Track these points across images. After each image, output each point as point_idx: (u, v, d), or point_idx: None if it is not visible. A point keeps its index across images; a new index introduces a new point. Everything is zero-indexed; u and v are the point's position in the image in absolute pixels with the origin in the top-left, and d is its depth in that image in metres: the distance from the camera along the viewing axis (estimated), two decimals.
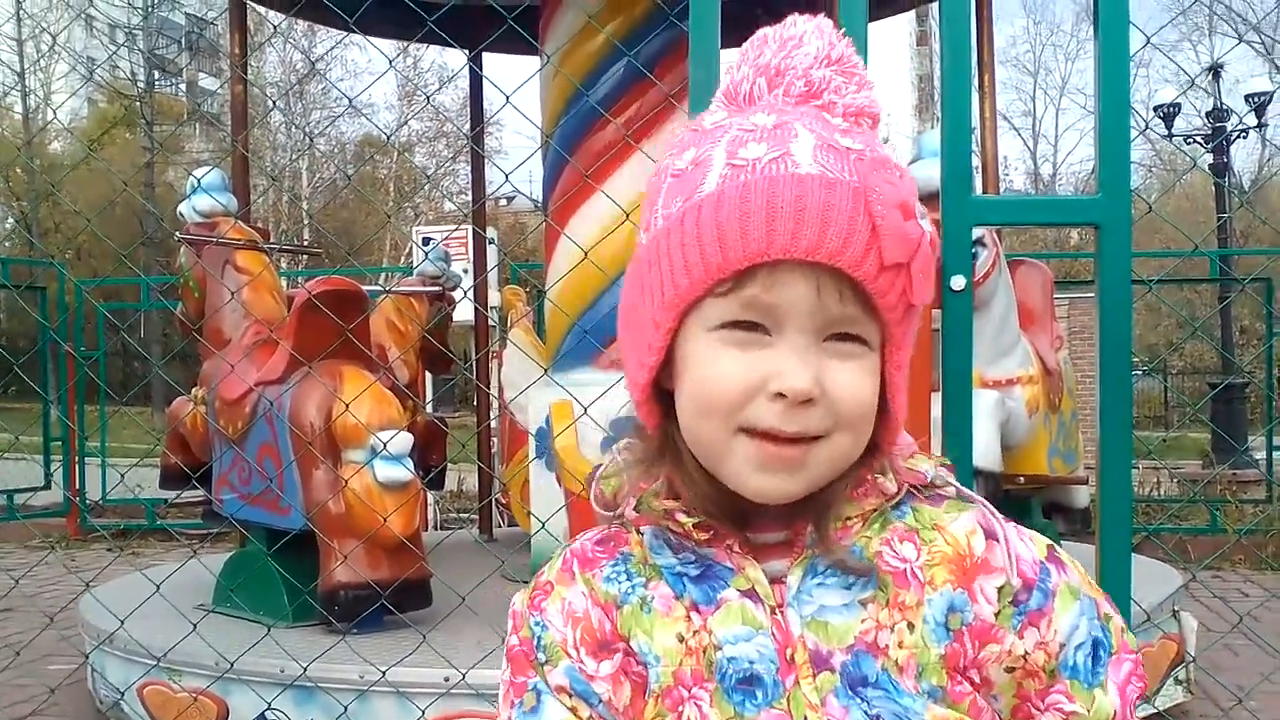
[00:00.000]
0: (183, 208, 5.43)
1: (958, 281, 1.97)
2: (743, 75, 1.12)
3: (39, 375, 12.26)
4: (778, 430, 1.03)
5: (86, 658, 5.14)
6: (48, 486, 11.79)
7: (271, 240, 6.25)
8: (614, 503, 1.18)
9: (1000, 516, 1.15)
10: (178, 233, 5.44)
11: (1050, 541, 1.18)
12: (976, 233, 3.11)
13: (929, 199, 1.24)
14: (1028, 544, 1.14)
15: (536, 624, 1.16)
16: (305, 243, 31.35)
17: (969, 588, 1.10)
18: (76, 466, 11.67)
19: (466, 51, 6.92)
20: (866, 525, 1.10)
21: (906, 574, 1.09)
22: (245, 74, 5.99)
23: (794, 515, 1.10)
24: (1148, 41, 2.62)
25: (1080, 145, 42.01)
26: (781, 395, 1.02)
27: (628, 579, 1.14)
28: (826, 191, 1.01)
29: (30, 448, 11.45)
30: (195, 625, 4.30)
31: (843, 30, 1.12)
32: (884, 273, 1.02)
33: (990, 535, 1.12)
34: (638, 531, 1.17)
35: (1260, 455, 12.30)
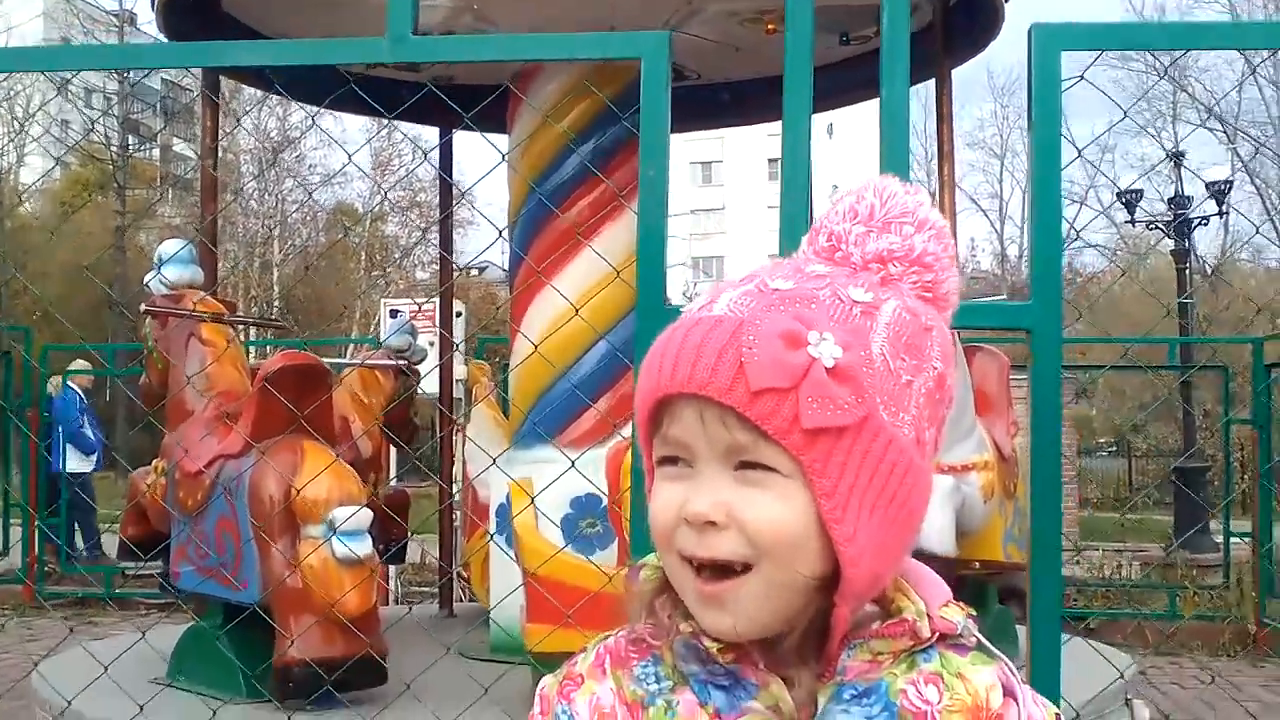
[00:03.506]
0: (149, 279, 5.45)
1: None
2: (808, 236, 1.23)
3: (1, 440, 12.15)
4: (691, 554, 1.11)
5: None
6: (5, 553, 11.68)
7: (239, 311, 6.28)
8: (652, 602, 1.22)
9: (1018, 676, 1.21)
10: (143, 304, 5.45)
11: (1058, 710, 1.26)
12: None
13: None
14: (1040, 708, 1.20)
15: (563, 712, 1.22)
16: (275, 308, 31.32)
17: None
18: (36, 533, 11.57)
19: (439, 130, 7.01)
20: (895, 662, 1.16)
21: (927, 715, 1.14)
22: (216, 150, 6.05)
23: (806, 651, 1.16)
24: (1089, 144, 2.71)
25: None
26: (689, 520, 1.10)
27: (656, 681, 1.19)
28: (707, 328, 1.10)
29: None
30: (142, 707, 4.22)
31: (884, 188, 1.20)
32: (759, 399, 1.06)
33: (1009, 693, 1.18)
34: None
35: (1220, 539, 12.35)
